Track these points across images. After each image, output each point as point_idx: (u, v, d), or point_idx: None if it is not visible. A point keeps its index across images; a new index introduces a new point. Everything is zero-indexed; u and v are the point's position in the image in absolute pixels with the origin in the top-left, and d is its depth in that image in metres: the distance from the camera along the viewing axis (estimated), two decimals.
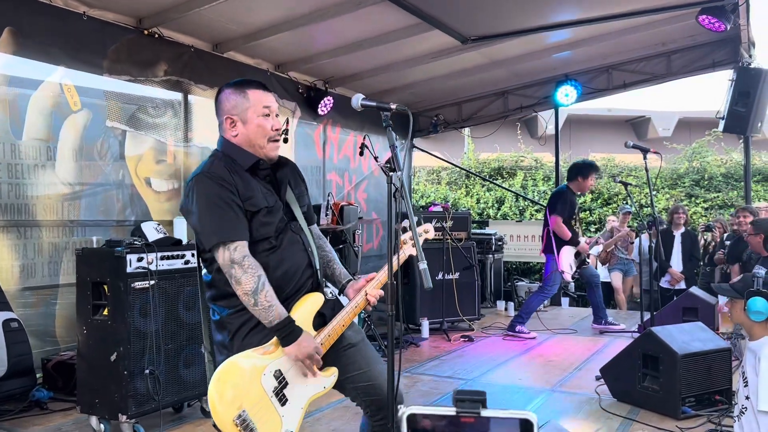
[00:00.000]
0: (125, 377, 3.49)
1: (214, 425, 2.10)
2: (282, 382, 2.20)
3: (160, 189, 5.70)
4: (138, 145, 5.48)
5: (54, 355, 4.58)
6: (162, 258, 3.71)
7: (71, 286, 4.22)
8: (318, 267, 2.40)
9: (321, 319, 2.34)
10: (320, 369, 2.27)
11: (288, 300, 2.27)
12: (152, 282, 3.61)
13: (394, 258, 2.15)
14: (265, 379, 2.17)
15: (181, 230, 4.68)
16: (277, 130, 2.33)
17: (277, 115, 2.37)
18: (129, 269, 3.54)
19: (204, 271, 2.34)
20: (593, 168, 6.58)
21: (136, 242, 3.71)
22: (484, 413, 1.48)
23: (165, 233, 4.06)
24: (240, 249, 2.16)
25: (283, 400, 2.20)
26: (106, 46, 5.11)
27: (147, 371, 3.57)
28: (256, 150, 2.31)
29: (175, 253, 3.82)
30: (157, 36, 5.47)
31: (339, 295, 2.54)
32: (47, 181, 4.77)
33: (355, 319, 2.44)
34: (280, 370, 2.20)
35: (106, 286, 3.59)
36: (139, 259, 3.59)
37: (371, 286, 2.39)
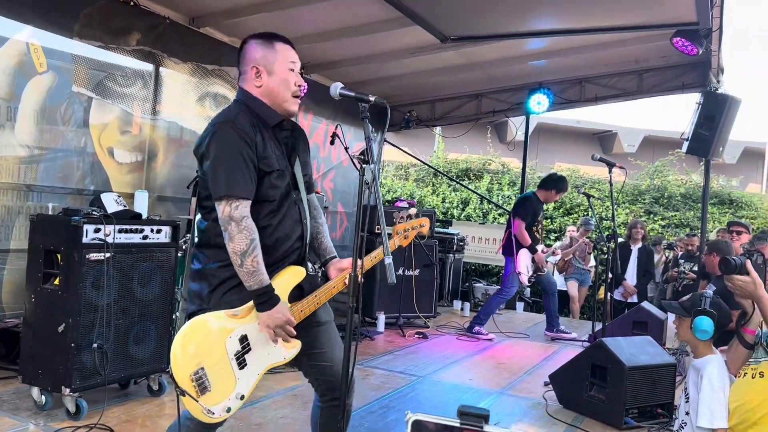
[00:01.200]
0: (72, 349, 3.41)
1: (171, 376, 2.14)
2: (246, 347, 2.24)
3: (123, 160, 5.56)
4: (103, 114, 5.33)
5: None
6: (120, 231, 3.63)
7: (22, 252, 4.08)
8: (308, 240, 2.41)
9: (298, 292, 2.36)
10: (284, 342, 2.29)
11: (273, 266, 2.28)
12: (108, 254, 3.52)
13: (381, 249, 2.21)
14: (230, 342, 2.21)
15: (142, 204, 4.57)
16: (299, 86, 2.34)
17: (301, 73, 2.36)
18: (85, 239, 3.45)
19: (199, 216, 2.35)
20: (564, 185, 6.80)
21: (94, 212, 3.61)
22: (487, 428, 1.52)
23: (125, 206, 3.96)
24: (242, 208, 2.17)
25: (242, 364, 2.24)
26: (78, 9, 4.95)
27: (95, 345, 3.49)
28: (277, 103, 2.32)
29: (134, 227, 3.74)
30: (132, 4, 5.32)
31: (320, 268, 2.54)
32: (4, 142, 4.60)
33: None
34: (246, 336, 2.24)
35: (59, 255, 3.50)
36: (97, 230, 3.50)
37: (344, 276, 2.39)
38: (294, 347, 2.33)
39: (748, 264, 2.74)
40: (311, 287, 2.39)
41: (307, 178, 2.47)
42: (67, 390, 3.42)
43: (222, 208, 2.17)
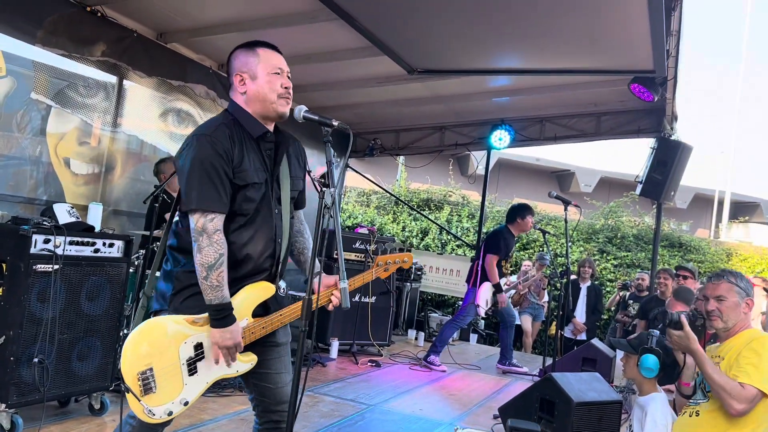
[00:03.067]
0: (11, 363, 3.28)
1: (119, 371, 2.17)
2: (200, 355, 2.23)
3: (80, 171, 5.44)
4: (62, 123, 5.22)
5: None
6: (70, 243, 3.54)
7: None
8: (282, 258, 2.39)
9: (263, 310, 2.34)
10: (239, 353, 2.27)
11: (242, 279, 2.28)
12: (56, 266, 3.42)
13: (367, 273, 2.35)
14: (184, 348, 2.21)
15: (96, 217, 4.47)
16: (286, 88, 2.32)
17: (288, 77, 2.35)
18: (33, 250, 3.35)
19: (176, 219, 2.34)
20: (529, 209, 6.83)
21: (45, 223, 3.52)
22: None
23: (78, 217, 3.87)
24: (216, 222, 2.17)
25: (192, 371, 2.23)
26: (43, 16, 4.87)
27: (36, 360, 3.37)
28: (266, 108, 2.30)
29: (86, 239, 3.65)
30: (99, 15, 5.27)
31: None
32: None
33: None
34: (201, 344, 2.24)
35: (4, 265, 3.38)
36: (46, 241, 3.41)
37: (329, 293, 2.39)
38: (249, 361, 2.32)
39: (683, 319, 2.83)
40: (277, 306, 2.38)
41: (295, 194, 2.47)
42: (3, 405, 3.28)
43: (195, 220, 2.17)
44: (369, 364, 6.46)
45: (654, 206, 9.27)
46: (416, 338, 8.31)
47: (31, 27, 4.80)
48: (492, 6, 4.82)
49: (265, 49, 2.35)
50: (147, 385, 2.15)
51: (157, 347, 2.17)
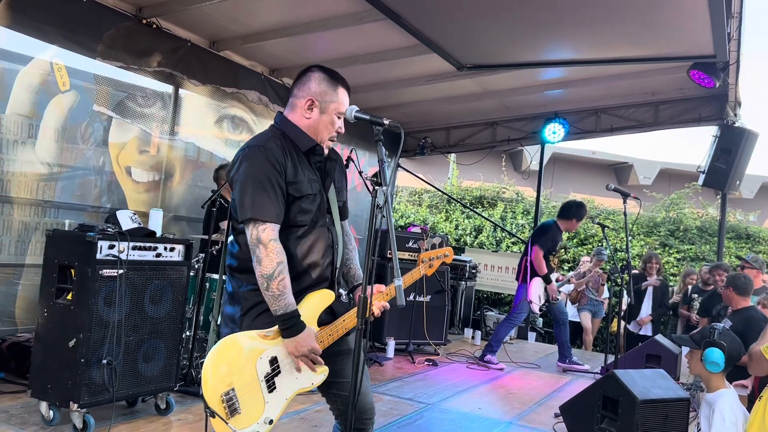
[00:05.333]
0: (81, 365, 3.42)
1: (201, 396, 2.14)
2: (275, 369, 2.23)
3: (140, 179, 5.63)
4: (123, 133, 5.42)
5: (10, 336, 4.47)
6: (134, 248, 3.66)
7: (37, 267, 4.13)
8: (339, 265, 2.42)
9: (329, 317, 2.34)
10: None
11: (304, 291, 2.29)
12: (121, 271, 3.55)
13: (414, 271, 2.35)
14: (261, 363, 2.20)
15: (156, 222, 4.61)
16: (339, 131, 2.40)
17: (342, 122, 2.42)
18: (99, 255, 3.48)
19: (231, 238, 2.37)
20: (583, 210, 6.76)
21: (109, 229, 3.65)
22: None
23: (140, 223, 4.00)
24: (269, 231, 2.18)
25: (271, 387, 2.22)
26: (102, 31, 5.06)
27: (105, 361, 3.50)
28: (315, 138, 2.36)
29: (148, 244, 3.77)
30: (155, 26, 5.44)
31: (347, 295, 2.56)
32: (25, 158, 4.69)
33: None
34: (276, 358, 2.23)
35: (73, 270, 3.53)
36: (111, 247, 3.54)
37: (379, 297, 2.40)
38: (322, 373, 2.30)
39: None
40: (342, 311, 2.37)
41: (341, 204, 2.48)
42: (75, 405, 3.42)
43: (250, 231, 2.18)
44: (426, 363, 6.44)
45: (718, 197, 8.90)
46: (473, 337, 8.24)
47: (92, 42, 5.00)
48: None
49: (343, 90, 2.39)
50: (232, 406, 2.13)
51: (236, 366, 2.15)
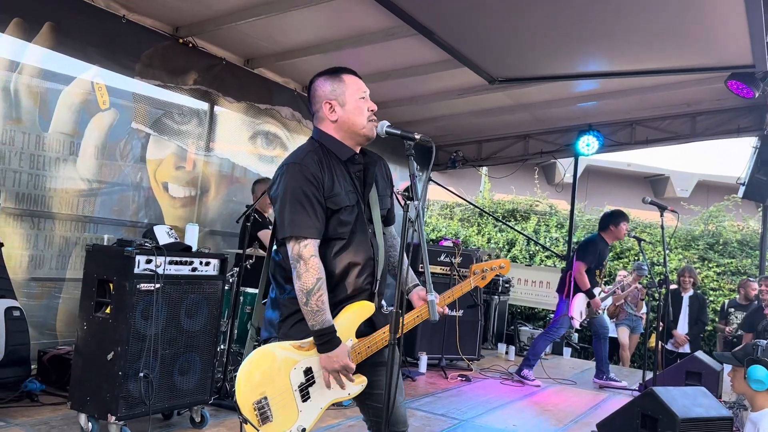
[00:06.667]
0: (119, 378, 3.48)
1: (234, 402, 2.17)
2: (310, 380, 2.25)
3: (177, 195, 5.74)
4: (160, 150, 5.54)
5: (51, 348, 4.58)
6: (170, 262, 3.72)
7: (77, 281, 4.23)
8: (380, 276, 2.40)
9: (369, 329, 2.34)
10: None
11: (343, 302, 2.30)
12: (158, 285, 3.61)
13: (465, 283, 2.38)
14: (295, 373, 2.23)
15: (193, 237, 4.70)
16: (372, 111, 2.37)
17: (371, 101, 2.41)
18: (136, 270, 3.55)
19: (275, 248, 2.39)
20: (623, 216, 6.60)
21: (146, 244, 3.72)
22: None
23: (176, 238, 4.07)
24: (309, 247, 2.19)
25: (306, 396, 2.24)
26: (140, 50, 5.21)
27: (141, 374, 3.55)
28: (355, 132, 2.34)
29: (184, 258, 3.83)
30: (191, 45, 5.57)
31: (389, 306, 2.55)
32: (67, 175, 4.82)
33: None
34: (311, 368, 2.25)
35: (111, 285, 3.60)
36: (148, 261, 3.60)
37: (441, 299, 2.39)
38: (360, 383, 2.31)
39: None
40: (382, 323, 2.37)
41: (385, 212, 2.48)
42: (113, 418, 3.47)
43: (291, 247, 2.21)
44: (459, 378, 6.38)
45: (759, 209, 8.68)
46: (506, 352, 8.14)
47: (130, 61, 5.15)
48: (571, 8, 4.70)
49: (349, 75, 2.39)
50: (264, 414, 2.17)
51: (269, 375, 2.19)
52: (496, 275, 2.59)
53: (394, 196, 2.61)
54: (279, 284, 2.36)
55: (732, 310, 7.81)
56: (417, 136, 2.22)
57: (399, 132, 2.25)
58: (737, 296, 7.82)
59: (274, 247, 2.41)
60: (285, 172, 2.26)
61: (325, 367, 2.21)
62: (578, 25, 5.01)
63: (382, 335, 2.31)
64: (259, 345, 2.31)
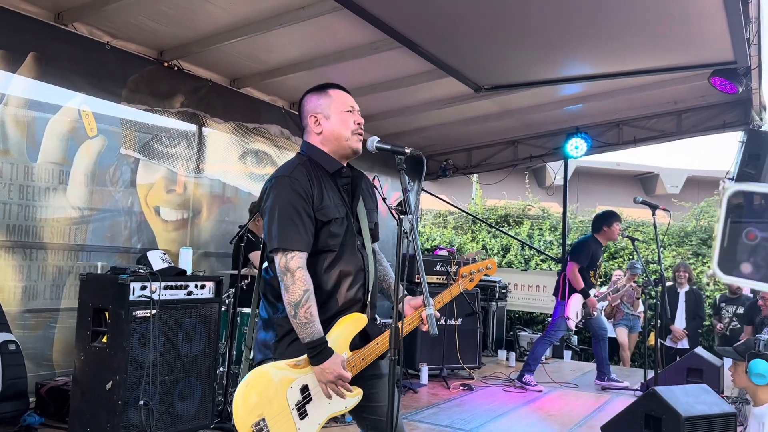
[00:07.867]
0: (119, 407, 3.45)
1: (233, 426, 2.18)
2: (307, 397, 2.25)
3: (169, 218, 5.72)
4: (150, 174, 5.53)
5: (48, 380, 4.53)
6: (165, 287, 3.71)
7: (72, 310, 4.20)
8: (371, 288, 2.41)
9: (363, 341, 2.34)
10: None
11: (336, 315, 2.30)
12: (154, 311, 3.59)
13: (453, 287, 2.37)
14: (291, 392, 2.23)
15: (187, 261, 4.67)
16: (359, 124, 2.40)
17: (359, 114, 2.43)
18: (132, 297, 3.53)
19: (266, 265, 2.40)
20: (615, 216, 6.64)
21: (140, 270, 3.71)
22: None
23: (170, 263, 4.06)
24: (296, 259, 2.21)
25: (303, 414, 2.23)
26: (126, 76, 5.21)
27: (141, 402, 3.52)
28: (340, 145, 2.37)
29: (179, 283, 3.82)
30: (176, 68, 5.57)
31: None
32: (57, 204, 4.80)
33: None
34: (307, 386, 2.25)
35: (107, 313, 3.58)
36: (143, 288, 3.59)
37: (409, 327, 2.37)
38: (356, 395, 2.31)
39: None
40: (375, 334, 2.37)
41: (372, 226, 2.49)
42: None
43: (278, 260, 2.22)
44: (461, 387, 6.36)
45: None
46: (507, 359, 8.12)
47: (116, 87, 5.14)
48: (554, 14, 4.74)
49: (335, 90, 2.43)
50: None
51: (266, 396, 2.19)
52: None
53: (383, 208, 2.62)
54: (270, 303, 2.36)
55: (723, 305, 7.84)
56: (407, 151, 2.24)
57: (389, 147, 2.26)
58: (727, 291, 7.86)
59: (264, 265, 2.41)
60: (274, 185, 2.28)
61: (320, 379, 2.21)
62: (561, 30, 5.05)
63: (376, 347, 2.32)
64: (253, 368, 2.30)
